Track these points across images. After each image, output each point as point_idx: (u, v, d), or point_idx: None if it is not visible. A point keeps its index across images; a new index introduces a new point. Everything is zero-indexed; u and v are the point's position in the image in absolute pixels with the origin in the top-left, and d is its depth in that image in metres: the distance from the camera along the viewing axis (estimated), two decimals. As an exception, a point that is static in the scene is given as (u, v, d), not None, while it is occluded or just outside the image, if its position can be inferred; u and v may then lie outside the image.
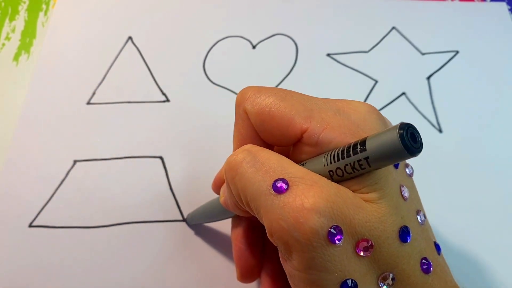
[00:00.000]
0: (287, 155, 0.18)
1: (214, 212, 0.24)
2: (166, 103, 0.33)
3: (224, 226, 0.27)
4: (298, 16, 0.38)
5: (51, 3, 0.37)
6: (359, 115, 0.18)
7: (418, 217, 0.18)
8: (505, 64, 0.36)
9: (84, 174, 0.29)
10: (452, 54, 0.36)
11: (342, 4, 0.38)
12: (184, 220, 0.28)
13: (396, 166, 0.18)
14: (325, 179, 0.16)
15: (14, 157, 0.30)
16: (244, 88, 0.20)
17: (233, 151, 0.21)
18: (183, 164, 0.30)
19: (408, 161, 0.20)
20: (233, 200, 0.19)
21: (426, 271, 0.17)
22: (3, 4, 0.37)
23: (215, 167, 0.30)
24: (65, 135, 0.31)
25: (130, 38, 0.36)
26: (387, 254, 0.16)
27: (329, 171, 0.17)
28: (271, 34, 0.36)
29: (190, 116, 0.32)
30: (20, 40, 0.35)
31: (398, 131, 0.14)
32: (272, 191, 0.16)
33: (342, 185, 0.17)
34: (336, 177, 0.16)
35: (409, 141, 0.14)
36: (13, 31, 0.36)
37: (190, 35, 0.36)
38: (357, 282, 0.16)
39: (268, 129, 0.19)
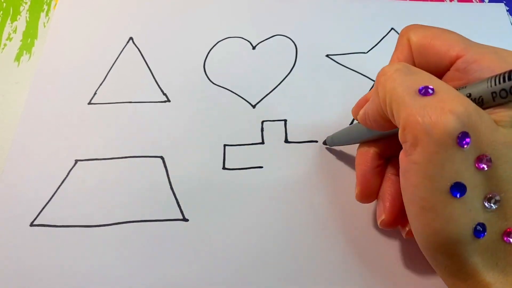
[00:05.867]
0: None
1: (350, 134, 0.27)
2: (167, 103, 0.33)
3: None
4: (297, 17, 0.38)
5: (53, 3, 0.38)
6: None
7: None
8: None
9: (85, 173, 0.29)
10: (451, 55, 0.36)
11: (341, 6, 0.39)
12: (184, 219, 0.28)
13: None
14: (466, 97, 0.18)
15: (16, 156, 0.30)
16: (409, 25, 0.23)
17: None
18: (183, 164, 0.30)
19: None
20: (376, 104, 0.21)
21: None
22: (4, 4, 0.38)
23: (216, 167, 0.30)
24: (66, 135, 0.31)
25: (131, 38, 0.36)
26: (501, 177, 0.18)
27: (492, 93, 0.18)
28: (271, 35, 0.37)
29: (190, 116, 0.32)
30: (21, 40, 0.36)
31: None
32: (418, 93, 0.18)
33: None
34: (499, 98, 0.18)
35: None
36: (14, 31, 0.36)
37: (191, 35, 0.36)
38: (467, 189, 0.17)
39: (426, 56, 0.21)
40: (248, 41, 0.36)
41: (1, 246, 0.27)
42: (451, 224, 0.18)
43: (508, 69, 0.18)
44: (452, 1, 0.40)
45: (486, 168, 0.17)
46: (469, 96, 0.19)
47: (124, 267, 0.26)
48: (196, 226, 0.28)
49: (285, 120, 0.32)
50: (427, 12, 0.39)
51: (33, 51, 0.35)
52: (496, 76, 0.18)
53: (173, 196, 0.29)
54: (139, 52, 0.35)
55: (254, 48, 0.36)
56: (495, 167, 0.18)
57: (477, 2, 0.40)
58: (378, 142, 0.25)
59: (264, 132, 0.32)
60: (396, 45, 0.23)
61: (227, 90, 0.34)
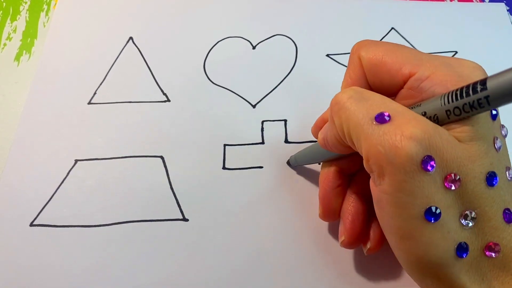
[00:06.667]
0: None
1: (312, 154, 0.27)
2: (167, 103, 0.33)
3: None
4: (297, 17, 0.38)
5: (52, 3, 0.38)
6: (464, 69, 0.19)
7: (507, 172, 0.19)
8: (504, 65, 0.36)
9: (85, 173, 0.29)
10: (451, 54, 0.36)
11: (341, 5, 0.39)
12: (184, 219, 0.28)
13: (493, 118, 0.19)
14: (423, 117, 0.18)
15: (16, 156, 0.30)
16: (360, 40, 0.23)
17: None
18: (183, 164, 0.30)
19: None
20: (334, 133, 0.21)
21: (509, 220, 0.18)
22: (4, 4, 0.38)
23: (216, 167, 0.30)
24: (66, 135, 0.31)
25: (131, 38, 0.36)
26: (472, 193, 0.18)
27: (446, 111, 0.18)
28: (271, 35, 0.37)
29: (190, 116, 0.32)
30: (21, 40, 0.35)
31: None
32: (375, 122, 0.18)
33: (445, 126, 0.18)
34: (453, 116, 0.18)
35: None
36: (14, 31, 0.36)
37: (191, 35, 0.36)
38: (441, 212, 0.17)
39: (378, 74, 0.21)
40: (248, 41, 0.36)
41: (1, 246, 0.27)
42: (432, 249, 0.17)
43: (460, 84, 0.18)
44: (453, 1, 0.40)
45: (455, 188, 0.17)
46: (424, 114, 0.19)
47: (124, 267, 0.26)
48: (196, 226, 0.28)
49: (285, 120, 0.32)
50: (427, 11, 0.39)
51: (33, 51, 0.35)
52: (448, 94, 0.18)
53: (173, 196, 0.29)
54: (139, 52, 0.35)
55: (254, 48, 0.36)
56: (464, 183, 0.17)
57: (478, 1, 0.40)
58: (340, 160, 0.25)
59: (264, 132, 0.32)
60: (348, 63, 0.23)
61: (227, 90, 0.34)
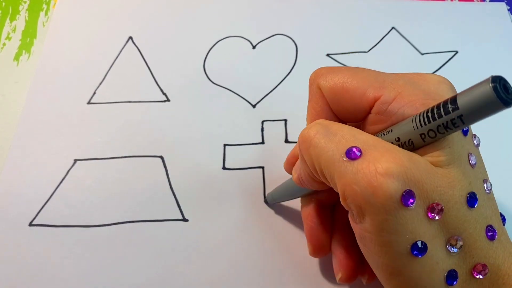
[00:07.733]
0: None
1: (288, 190, 0.26)
2: (167, 103, 0.33)
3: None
4: (298, 16, 0.38)
5: (52, 3, 0.38)
6: (430, 85, 0.19)
7: (485, 186, 0.19)
8: (505, 65, 0.36)
9: (85, 173, 0.29)
10: (452, 54, 0.36)
11: (342, 5, 0.39)
12: (184, 219, 0.28)
13: (464, 133, 0.19)
14: (396, 146, 0.17)
15: (15, 156, 0.30)
16: (317, 69, 0.21)
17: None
18: (183, 164, 0.30)
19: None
20: (307, 171, 0.20)
21: (491, 238, 0.18)
22: (3, 4, 0.37)
23: (216, 167, 0.30)
24: (65, 135, 0.31)
25: (130, 38, 0.36)
26: (456, 218, 0.17)
27: (421, 134, 0.17)
28: (271, 34, 0.37)
29: (190, 115, 0.32)
30: (21, 40, 0.35)
31: (491, 84, 0.14)
32: (346, 158, 0.17)
33: (416, 151, 0.17)
34: (428, 139, 0.17)
35: (503, 92, 0.14)
36: (13, 31, 0.36)
37: (190, 35, 0.36)
38: (427, 244, 0.16)
39: (341, 103, 0.20)
40: (248, 40, 0.36)
41: (0, 246, 0.27)
42: (423, 283, 0.17)
43: (428, 102, 0.17)
44: (453, 0, 0.40)
45: (438, 217, 0.17)
46: (397, 140, 0.18)
47: (124, 267, 0.26)
48: (196, 226, 0.28)
49: (285, 120, 0.32)
50: (428, 11, 0.39)
51: (32, 51, 0.35)
52: (419, 116, 0.17)
53: (173, 196, 0.29)
54: (138, 52, 0.35)
55: (254, 47, 0.36)
56: (447, 210, 0.17)
57: (478, 1, 0.40)
58: (318, 193, 0.24)
59: (264, 132, 0.32)
60: (309, 94, 0.22)
61: (227, 90, 0.33)
